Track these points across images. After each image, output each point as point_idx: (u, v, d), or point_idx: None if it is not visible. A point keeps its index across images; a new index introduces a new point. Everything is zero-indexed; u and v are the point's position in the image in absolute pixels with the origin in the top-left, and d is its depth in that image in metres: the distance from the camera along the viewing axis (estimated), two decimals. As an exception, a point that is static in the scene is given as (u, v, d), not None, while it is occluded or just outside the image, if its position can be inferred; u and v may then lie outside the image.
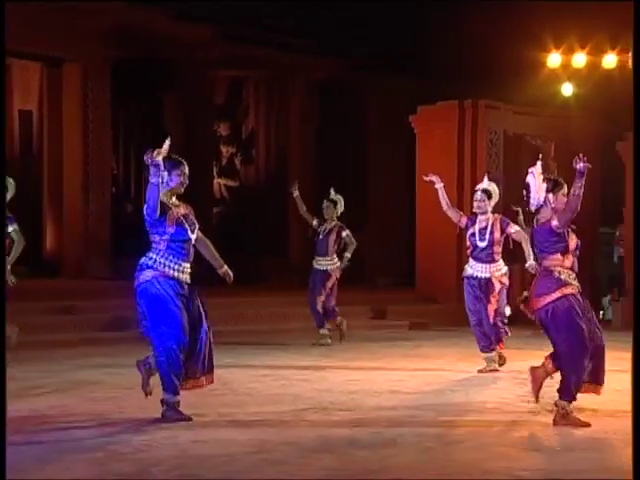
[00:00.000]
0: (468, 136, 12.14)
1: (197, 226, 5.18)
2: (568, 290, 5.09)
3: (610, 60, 12.07)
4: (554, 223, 5.09)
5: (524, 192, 5.21)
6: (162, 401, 5.10)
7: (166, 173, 5.01)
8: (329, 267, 9.00)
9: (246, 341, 9.18)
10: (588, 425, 5.03)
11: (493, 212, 7.36)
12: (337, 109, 15.08)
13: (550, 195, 5.13)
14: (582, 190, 5.01)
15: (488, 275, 7.19)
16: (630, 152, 11.49)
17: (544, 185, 5.13)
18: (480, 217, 7.26)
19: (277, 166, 15.39)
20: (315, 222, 9.11)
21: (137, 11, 12.43)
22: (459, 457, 4.38)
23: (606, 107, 12.61)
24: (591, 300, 6.67)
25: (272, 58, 14.28)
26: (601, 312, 11.96)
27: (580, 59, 12.14)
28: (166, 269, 5.02)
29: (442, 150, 12.13)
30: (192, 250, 5.17)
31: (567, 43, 12.19)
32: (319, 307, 9.01)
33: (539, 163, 5.21)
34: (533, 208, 5.18)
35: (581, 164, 4.99)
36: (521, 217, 10.24)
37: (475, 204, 7.26)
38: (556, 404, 5.07)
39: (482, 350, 7.32)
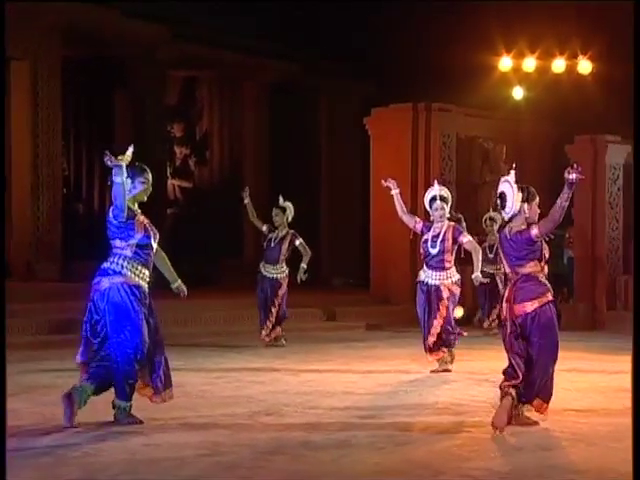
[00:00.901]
0: (422, 139, 12.23)
1: (157, 236, 5.12)
2: (550, 296, 5.12)
3: (559, 65, 12.32)
4: (534, 232, 5.04)
5: (498, 200, 5.15)
6: (113, 405, 5.03)
7: (129, 180, 4.95)
8: (278, 276, 8.93)
9: (199, 343, 9.13)
10: (536, 424, 5.10)
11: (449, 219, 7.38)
12: (290, 111, 15.09)
13: (525, 205, 5.09)
14: (567, 202, 4.94)
15: (437, 282, 7.24)
16: (580, 155, 11.71)
17: (520, 195, 5.08)
18: (436, 224, 7.29)
19: (231, 167, 15.34)
20: (265, 228, 9.02)
21: (88, 9, 12.25)
22: (412, 458, 4.40)
23: (555, 111, 12.81)
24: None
25: (224, 59, 14.23)
26: None
27: (530, 63, 12.36)
28: (132, 276, 4.95)
29: (396, 152, 12.21)
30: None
31: (518, 47, 12.40)
32: (271, 314, 8.92)
33: (513, 172, 5.15)
34: (507, 217, 5.13)
35: (573, 175, 4.86)
36: (464, 224, 10.37)
37: (436, 214, 7.25)
38: (515, 407, 5.09)
39: (427, 351, 7.35)
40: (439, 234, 7.22)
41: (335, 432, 4.93)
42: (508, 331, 5.11)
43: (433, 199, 7.28)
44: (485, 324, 10.81)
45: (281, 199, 9.10)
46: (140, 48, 12.93)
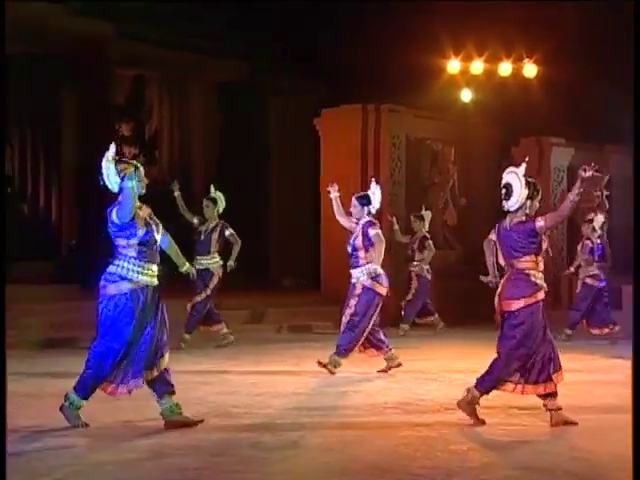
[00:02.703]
0: (371, 139, 12.24)
1: (160, 225, 5.07)
2: (541, 295, 5.09)
3: (505, 68, 12.48)
4: (539, 224, 4.99)
5: (503, 190, 5.09)
6: (66, 396, 4.93)
7: (135, 181, 4.92)
8: (211, 266, 8.75)
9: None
10: (483, 423, 5.15)
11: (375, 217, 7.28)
12: (240, 110, 15.03)
13: (528, 201, 5.06)
14: (578, 198, 4.89)
15: (354, 280, 7.17)
16: (524, 156, 11.89)
17: (526, 191, 5.04)
18: (359, 224, 7.22)
19: (181, 167, 15.21)
20: (196, 220, 8.89)
21: (35, 5, 12.00)
22: (360, 457, 4.40)
23: (502, 113, 12.97)
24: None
25: (173, 57, 14.09)
26: None
27: (477, 66, 12.50)
28: (140, 277, 4.89)
29: (346, 153, 12.21)
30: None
31: (465, 50, 12.53)
32: (196, 308, 8.68)
33: (524, 165, 5.09)
34: (512, 209, 5.07)
35: (590, 172, 4.83)
36: (396, 227, 10.47)
37: (352, 211, 7.22)
38: (468, 390, 5.15)
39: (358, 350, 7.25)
40: (356, 232, 7.18)
41: (284, 433, 4.91)
42: (498, 330, 5.11)
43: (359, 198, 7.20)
44: (403, 328, 10.39)
45: (212, 189, 8.96)
46: (89, 46, 12.72)
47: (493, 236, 5.32)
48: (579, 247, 10.21)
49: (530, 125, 12.61)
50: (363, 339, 7.17)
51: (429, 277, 10.54)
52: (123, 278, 4.88)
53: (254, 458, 4.34)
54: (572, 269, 10.35)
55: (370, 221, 7.16)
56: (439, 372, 7.35)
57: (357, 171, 12.16)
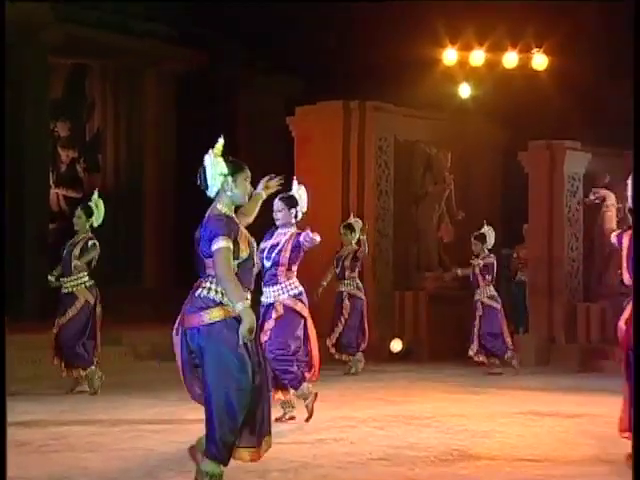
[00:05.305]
0: (354, 142, 12.25)
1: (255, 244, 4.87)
2: None
3: (511, 59, 12.53)
4: None
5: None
6: (201, 472, 4.59)
7: (230, 179, 4.70)
8: (75, 289, 8.52)
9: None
10: None
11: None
12: (201, 106, 15.02)
13: None
14: None
15: (272, 300, 6.90)
16: (535, 163, 11.98)
17: None
18: (279, 230, 6.98)
19: (129, 173, 15.16)
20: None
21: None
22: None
23: (507, 111, 13.02)
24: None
25: (120, 44, 14.07)
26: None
27: (478, 57, 12.54)
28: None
29: (325, 157, 12.22)
30: None
31: (464, 38, 12.58)
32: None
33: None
34: None
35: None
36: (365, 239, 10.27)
37: (275, 216, 6.97)
38: None
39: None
40: (279, 243, 6.93)
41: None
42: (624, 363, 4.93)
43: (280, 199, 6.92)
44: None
45: (96, 195, 8.73)
46: (19, 30, 12.67)
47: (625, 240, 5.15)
48: None
49: (540, 126, 12.68)
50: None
51: (363, 297, 10.46)
52: (217, 303, 4.55)
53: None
54: None
55: (302, 233, 6.90)
56: (432, 416, 7.33)
57: (337, 179, 12.20)
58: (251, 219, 5.16)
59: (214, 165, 4.68)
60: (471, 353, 10.40)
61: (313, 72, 14.12)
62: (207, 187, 4.71)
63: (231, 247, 4.53)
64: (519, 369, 10.38)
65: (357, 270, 10.45)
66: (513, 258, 12.77)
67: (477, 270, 10.48)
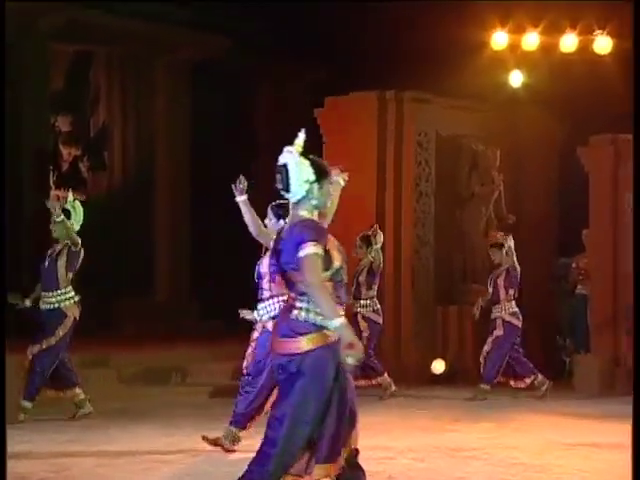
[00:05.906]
0: (390, 137, 12.26)
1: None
2: None
3: (569, 42, 12.46)
4: None
5: None
6: None
7: (316, 186, 4.63)
8: (62, 304, 8.46)
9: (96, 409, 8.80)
10: None
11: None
12: (219, 98, 15.06)
13: None
14: None
15: (258, 317, 6.89)
16: (597, 161, 11.85)
17: None
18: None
19: (139, 172, 15.30)
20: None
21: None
22: None
23: (564, 102, 12.96)
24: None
25: (129, 29, 14.21)
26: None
27: (532, 40, 12.49)
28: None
29: (357, 154, 12.14)
30: None
31: (516, 19, 12.51)
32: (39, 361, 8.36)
33: None
34: None
35: None
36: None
37: (269, 223, 6.97)
38: None
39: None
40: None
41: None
42: None
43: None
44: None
45: (70, 197, 8.73)
46: (15, 16, 12.75)
47: None
48: None
49: (603, 118, 12.58)
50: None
51: (380, 322, 10.34)
52: (317, 327, 4.47)
53: None
54: None
55: None
56: (480, 447, 7.29)
57: (372, 179, 12.16)
58: (330, 220, 5.08)
59: (299, 169, 4.62)
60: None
61: (344, 58, 14.12)
62: (289, 191, 4.63)
63: (321, 254, 4.44)
64: (546, 395, 10.27)
65: (375, 288, 10.27)
66: (572, 268, 12.60)
67: (500, 282, 10.26)
